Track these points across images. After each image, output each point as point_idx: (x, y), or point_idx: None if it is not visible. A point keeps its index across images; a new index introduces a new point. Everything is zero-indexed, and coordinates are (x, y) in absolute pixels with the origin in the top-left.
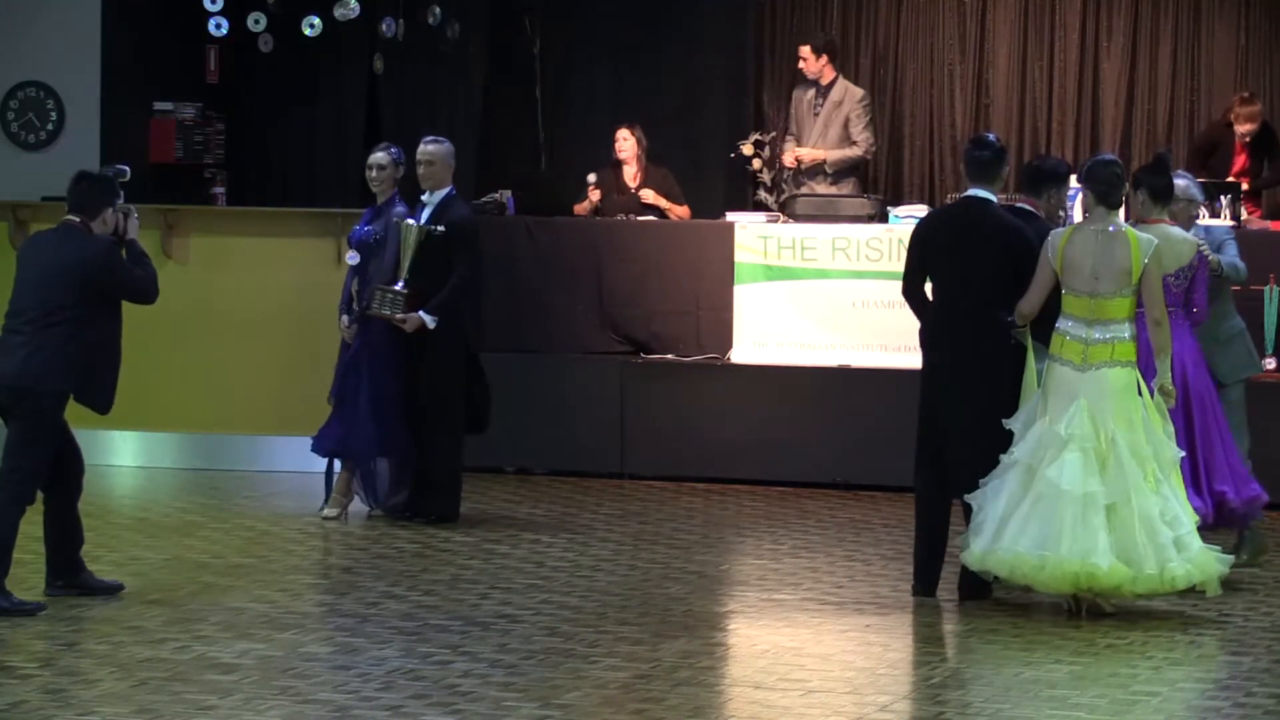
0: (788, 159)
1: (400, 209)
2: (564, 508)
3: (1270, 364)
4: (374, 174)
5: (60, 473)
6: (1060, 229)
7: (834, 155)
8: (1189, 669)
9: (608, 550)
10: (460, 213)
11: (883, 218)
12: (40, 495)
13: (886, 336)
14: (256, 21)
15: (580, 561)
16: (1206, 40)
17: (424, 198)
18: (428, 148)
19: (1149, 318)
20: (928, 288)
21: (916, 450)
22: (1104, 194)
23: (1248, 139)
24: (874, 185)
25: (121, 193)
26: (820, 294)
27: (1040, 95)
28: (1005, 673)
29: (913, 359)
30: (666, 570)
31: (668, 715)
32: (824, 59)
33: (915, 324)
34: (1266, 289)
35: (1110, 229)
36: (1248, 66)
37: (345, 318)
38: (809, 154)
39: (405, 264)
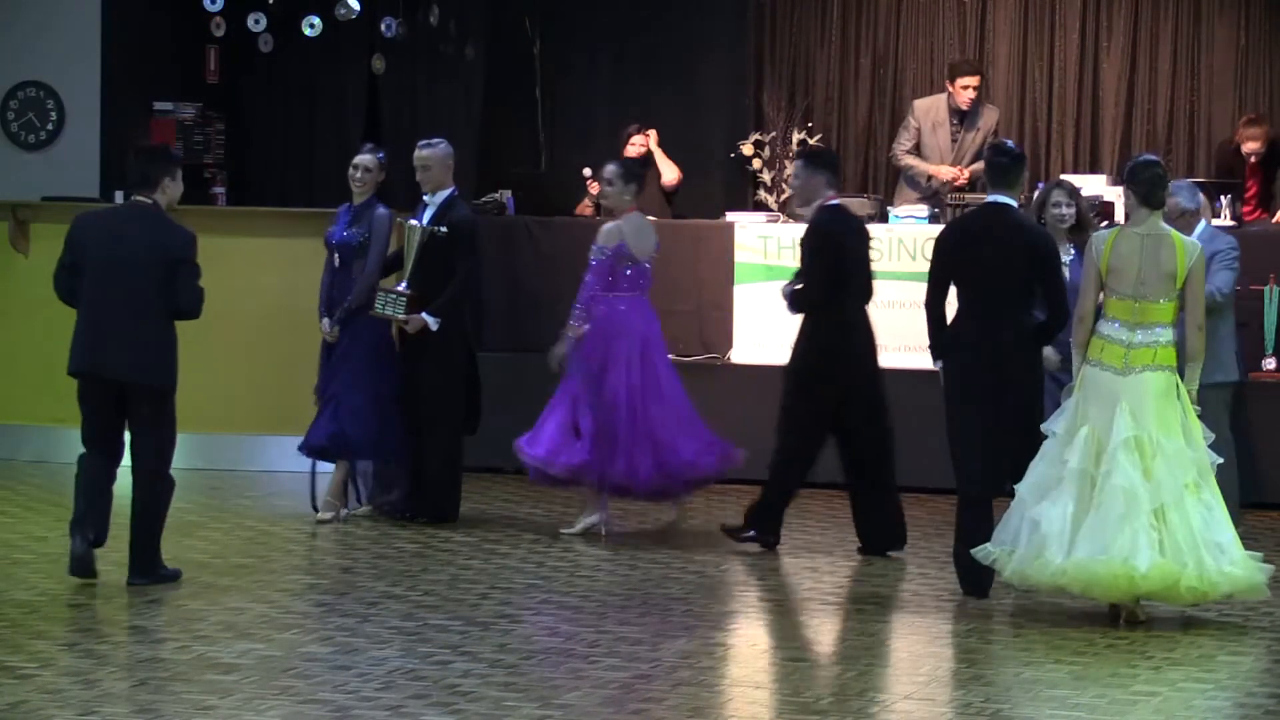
0: (962, 179)
1: (382, 210)
2: (564, 508)
3: (1270, 364)
4: (358, 175)
5: (119, 447)
6: (1104, 231)
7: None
8: (1189, 669)
9: (608, 550)
10: (460, 213)
11: (883, 218)
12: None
13: (887, 337)
14: (256, 21)
15: (580, 561)
16: (1206, 40)
17: (426, 198)
18: (422, 152)
19: (1190, 323)
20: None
21: (955, 457)
22: (1147, 195)
23: (1253, 159)
24: (874, 185)
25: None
26: None
27: (1040, 95)
28: (1005, 673)
29: (913, 359)
30: (666, 570)
31: (668, 715)
32: None
33: (914, 324)
34: (1266, 289)
35: (1156, 232)
36: (1248, 66)
37: (326, 321)
38: (970, 171)
39: (408, 265)
